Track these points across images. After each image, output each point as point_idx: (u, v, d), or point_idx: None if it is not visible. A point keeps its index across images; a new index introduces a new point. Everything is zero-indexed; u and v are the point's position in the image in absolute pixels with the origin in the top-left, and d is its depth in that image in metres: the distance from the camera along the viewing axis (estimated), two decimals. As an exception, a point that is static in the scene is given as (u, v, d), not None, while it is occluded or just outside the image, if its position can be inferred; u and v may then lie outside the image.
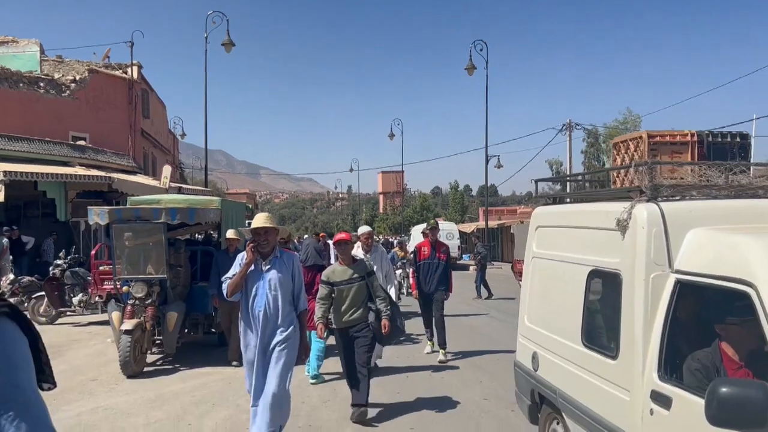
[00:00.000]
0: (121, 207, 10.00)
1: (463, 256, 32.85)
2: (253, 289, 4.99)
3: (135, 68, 26.60)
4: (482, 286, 17.93)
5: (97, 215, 8.63)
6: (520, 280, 19.62)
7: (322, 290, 6.15)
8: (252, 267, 5.01)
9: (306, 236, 16.34)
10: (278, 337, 4.97)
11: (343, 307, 6.17)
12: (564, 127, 33.49)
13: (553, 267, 4.60)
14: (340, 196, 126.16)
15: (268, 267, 5.02)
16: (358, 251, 7.88)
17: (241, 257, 5.09)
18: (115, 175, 18.77)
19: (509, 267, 24.16)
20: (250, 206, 18.91)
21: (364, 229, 8.84)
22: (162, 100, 33.92)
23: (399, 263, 17.24)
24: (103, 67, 26.38)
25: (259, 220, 5.12)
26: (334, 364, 7.60)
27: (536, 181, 5.90)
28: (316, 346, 7.43)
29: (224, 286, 5.08)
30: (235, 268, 5.09)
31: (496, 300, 17.31)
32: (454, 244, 20.34)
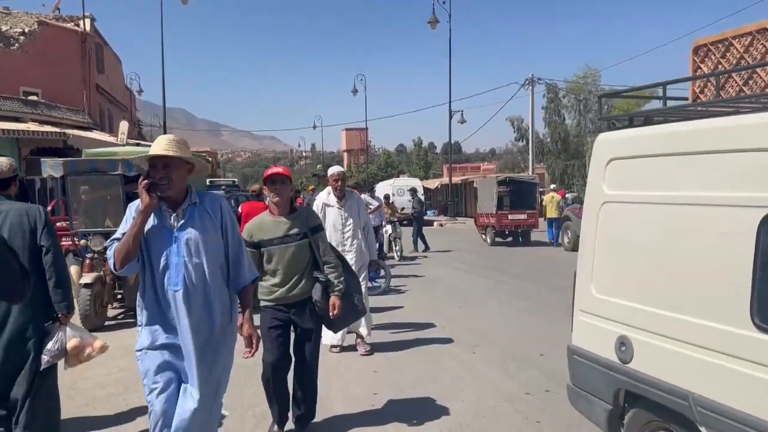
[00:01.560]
0: (76, 159, 9.72)
1: (428, 211, 33.09)
2: (162, 258, 3.09)
3: (87, 21, 25.64)
4: (419, 240, 18.11)
5: (51, 168, 8.40)
6: (482, 234, 19.69)
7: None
8: (154, 221, 3.10)
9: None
10: (211, 334, 3.25)
11: (275, 279, 4.27)
12: (527, 82, 33.57)
13: (663, 213, 2.99)
14: (304, 154, 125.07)
15: (181, 221, 3.12)
16: (329, 198, 6.68)
17: (135, 206, 3.08)
18: (70, 131, 18.26)
19: (473, 221, 24.51)
20: (210, 159, 18.58)
21: (335, 169, 6.84)
22: (117, 55, 32.88)
23: (385, 222, 15.18)
24: (53, 19, 25.38)
25: (159, 145, 3.11)
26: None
27: (600, 97, 4.57)
28: None
29: (109, 254, 3.08)
30: (125, 224, 3.10)
31: (437, 252, 17.60)
32: (418, 200, 20.08)
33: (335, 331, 5.19)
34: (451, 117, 31.54)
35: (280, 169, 4.37)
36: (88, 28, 25.44)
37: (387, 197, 17.67)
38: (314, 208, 6.33)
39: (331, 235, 6.27)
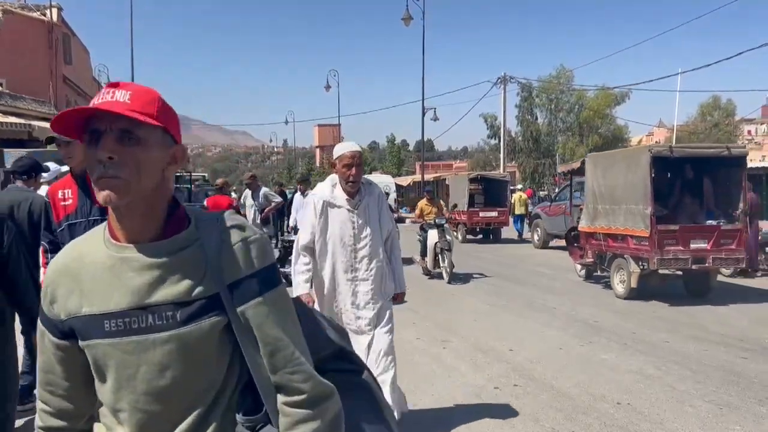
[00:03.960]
0: (41, 150, 9.53)
1: (401, 209, 33.13)
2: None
3: (54, 10, 25.10)
4: None
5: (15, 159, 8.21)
6: (453, 230, 19.54)
7: None
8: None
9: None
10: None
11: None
12: (499, 80, 33.79)
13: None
14: (276, 150, 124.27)
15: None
16: (334, 194, 4.07)
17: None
18: (35, 122, 17.85)
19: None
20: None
21: (346, 147, 4.03)
22: (85, 46, 32.27)
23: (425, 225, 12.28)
24: (19, 8, 24.78)
25: None
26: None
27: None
28: None
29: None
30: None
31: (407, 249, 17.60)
32: (390, 198, 20.17)
33: None
34: (423, 114, 31.62)
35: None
36: (55, 17, 24.90)
37: (430, 192, 13.83)
38: (310, 209, 4.03)
39: (337, 253, 4.00)
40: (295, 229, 11.88)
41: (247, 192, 11.64)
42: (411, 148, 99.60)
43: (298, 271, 4.03)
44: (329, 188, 4.06)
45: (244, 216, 11.09)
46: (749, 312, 8.55)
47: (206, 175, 42.07)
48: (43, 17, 24.63)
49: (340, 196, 4.00)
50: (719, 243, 8.98)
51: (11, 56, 22.02)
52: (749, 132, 65.01)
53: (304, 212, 4.23)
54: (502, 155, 36.21)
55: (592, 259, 10.89)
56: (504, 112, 35.73)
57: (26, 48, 22.87)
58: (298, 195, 11.84)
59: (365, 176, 4.15)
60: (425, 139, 38.37)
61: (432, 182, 36.61)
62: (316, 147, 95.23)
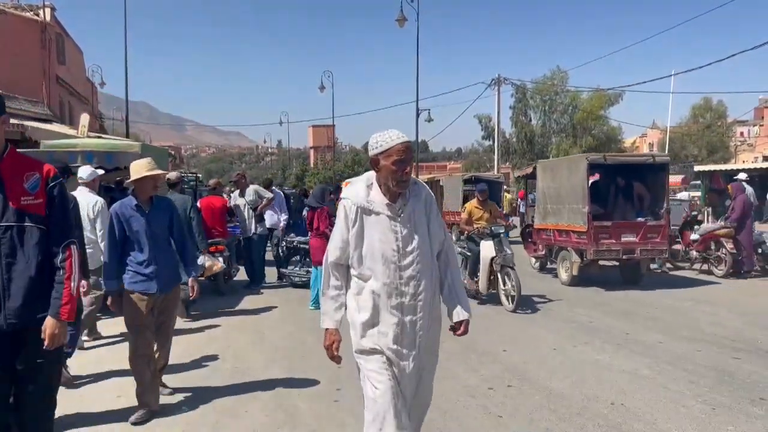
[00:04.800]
0: (34, 150, 9.48)
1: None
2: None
3: (48, 10, 24.98)
4: None
5: (7, 159, 8.16)
6: (448, 232, 19.72)
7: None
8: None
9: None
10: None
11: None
12: (493, 82, 33.83)
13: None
14: (270, 150, 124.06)
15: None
16: (372, 197, 3.17)
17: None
18: (28, 123, 17.76)
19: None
20: (173, 153, 18.28)
21: (394, 138, 3.09)
22: (79, 46, 32.14)
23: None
24: (11, 7, 24.66)
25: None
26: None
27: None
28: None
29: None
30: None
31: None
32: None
33: None
34: (418, 115, 31.60)
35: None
36: (48, 17, 24.77)
37: (484, 192, 10.12)
38: (340, 217, 3.17)
39: (377, 272, 3.08)
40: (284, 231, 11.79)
41: (234, 194, 11.58)
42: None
43: (328, 296, 3.21)
44: (364, 190, 3.12)
45: (236, 215, 11.03)
46: (736, 310, 8.62)
47: (200, 175, 41.97)
48: (36, 17, 24.51)
49: (379, 201, 3.09)
50: (646, 237, 10.40)
51: (4, 56, 21.89)
52: (742, 133, 65.28)
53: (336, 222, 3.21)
54: (496, 156, 36.27)
55: (543, 252, 12.41)
56: (498, 113, 35.81)
57: (19, 48, 22.75)
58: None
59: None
60: (420, 140, 38.38)
61: (426, 183, 36.46)
62: (311, 148, 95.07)
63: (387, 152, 3.02)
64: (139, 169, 4.73)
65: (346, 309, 3.23)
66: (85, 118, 18.14)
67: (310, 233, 9.08)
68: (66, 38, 27.93)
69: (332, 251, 3.18)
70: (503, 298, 8.96)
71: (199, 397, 5.14)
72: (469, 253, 9.62)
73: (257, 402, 5.06)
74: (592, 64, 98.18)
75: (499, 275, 9.00)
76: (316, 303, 8.82)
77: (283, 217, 11.87)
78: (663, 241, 10.44)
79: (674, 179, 27.80)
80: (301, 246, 10.96)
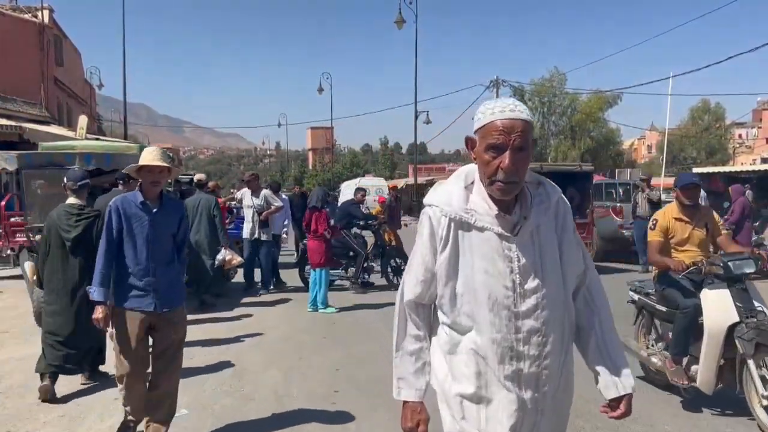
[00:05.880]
0: (32, 152, 9.48)
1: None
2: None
3: (46, 12, 25.00)
4: None
5: (5, 160, 8.18)
6: None
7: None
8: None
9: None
10: None
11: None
12: (491, 84, 33.90)
13: None
14: (268, 152, 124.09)
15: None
16: (473, 203, 2.03)
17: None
18: (26, 124, 17.78)
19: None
20: (172, 155, 18.15)
21: (498, 106, 1.95)
22: (77, 48, 32.15)
23: None
24: (9, 9, 24.68)
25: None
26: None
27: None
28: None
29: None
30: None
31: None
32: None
33: None
34: (416, 117, 31.63)
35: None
36: (46, 19, 24.79)
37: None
38: (423, 233, 2.08)
39: (480, 322, 2.00)
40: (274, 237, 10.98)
41: (246, 192, 10.80)
42: (404, 150, 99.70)
43: (405, 351, 2.16)
44: (460, 193, 2.05)
45: (233, 216, 10.96)
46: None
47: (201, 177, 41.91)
48: (34, 19, 24.53)
49: (484, 211, 1.99)
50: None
51: (2, 58, 21.90)
52: (740, 135, 65.43)
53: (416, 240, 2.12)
54: (494, 158, 36.22)
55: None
56: (496, 115, 35.78)
57: (17, 49, 22.75)
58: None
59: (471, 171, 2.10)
60: (418, 142, 38.40)
61: (425, 185, 36.58)
62: (309, 149, 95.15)
63: (484, 130, 1.95)
64: (144, 156, 4.02)
65: (430, 370, 2.17)
66: (83, 120, 18.17)
67: (307, 235, 9.07)
68: (64, 40, 27.95)
69: (410, 285, 2.13)
70: (758, 411, 4.41)
71: (197, 399, 5.12)
72: (665, 309, 5.25)
73: (255, 404, 5.05)
74: (590, 66, 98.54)
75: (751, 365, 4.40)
76: (314, 304, 8.83)
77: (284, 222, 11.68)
78: (588, 236, 12.54)
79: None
80: None
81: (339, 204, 15.01)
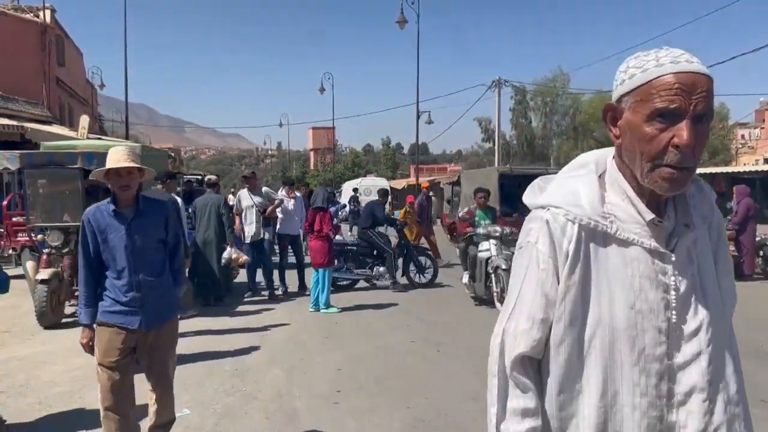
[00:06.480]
0: (34, 151, 9.46)
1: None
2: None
3: (48, 12, 24.99)
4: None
5: (7, 160, 8.16)
6: (456, 245, 19.05)
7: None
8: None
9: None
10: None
11: None
12: (493, 84, 33.83)
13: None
14: (270, 152, 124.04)
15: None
16: (623, 208, 1.40)
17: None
18: (28, 124, 17.78)
19: (441, 227, 24.47)
20: (173, 155, 18.21)
21: (672, 57, 1.32)
22: (79, 48, 32.16)
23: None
24: (11, 9, 24.67)
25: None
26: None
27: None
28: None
29: None
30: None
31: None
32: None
33: None
34: (418, 117, 31.57)
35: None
36: (48, 19, 24.78)
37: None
38: (541, 250, 1.41)
39: (613, 373, 1.36)
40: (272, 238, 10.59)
41: (243, 192, 10.32)
42: (406, 151, 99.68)
43: (513, 410, 1.43)
44: (594, 190, 1.43)
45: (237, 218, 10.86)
46: (736, 313, 8.56)
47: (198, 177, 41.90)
48: (36, 19, 24.52)
49: (628, 213, 1.40)
50: None
51: (4, 58, 21.89)
52: (743, 136, 65.30)
53: (518, 261, 1.50)
54: (496, 159, 36.24)
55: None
56: (498, 115, 35.77)
57: (19, 49, 22.76)
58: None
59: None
60: (420, 142, 38.38)
61: (427, 185, 36.45)
62: (311, 149, 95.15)
63: (640, 92, 1.33)
64: (109, 158, 3.50)
65: None
66: (85, 120, 18.19)
67: (309, 235, 9.05)
68: (66, 40, 27.95)
69: (522, 331, 1.43)
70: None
71: (199, 398, 5.11)
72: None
73: (257, 403, 5.04)
74: (593, 66, 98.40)
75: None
76: (316, 305, 8.81)
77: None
78: None
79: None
80: (348, 248, 10.96)
81: (339, 203, 15.04)
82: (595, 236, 1.39)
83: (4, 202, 11.75)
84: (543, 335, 1.42)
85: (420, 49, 28.52)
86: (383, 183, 34.36)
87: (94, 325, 3.53)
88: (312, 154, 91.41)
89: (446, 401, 5.03)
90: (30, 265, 8.25)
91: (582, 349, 1.38)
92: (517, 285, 1.46)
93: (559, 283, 1.40)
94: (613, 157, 1.46)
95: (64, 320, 8.02)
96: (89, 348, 3.52)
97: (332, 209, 9.91)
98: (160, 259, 3.63)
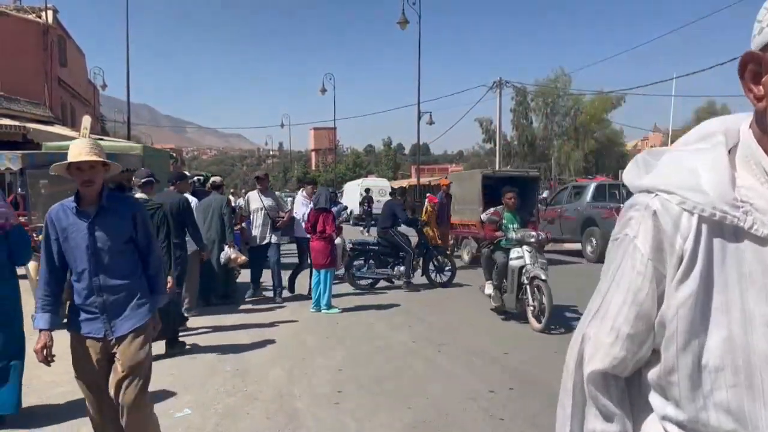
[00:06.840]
0: (35, 152, 9.49)
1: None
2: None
3: (50, 12, 25.04)
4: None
5: (9, 160, 8.19)
6: (455, 250, 18.91)
7: None
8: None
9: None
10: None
11: None
12: (494, 85, 33.84)
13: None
14: (271, 153, 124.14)
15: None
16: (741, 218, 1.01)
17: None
18: (30, 125, 17.80)
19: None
20: (175, 155, 18.21)
21: None
22: (81, 48, 32.21)
23: None
24: (13, 9, 24.75)
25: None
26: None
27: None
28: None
29: None
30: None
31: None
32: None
33: None
34: (419, 118, 31.58)
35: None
36: (50, 19, 24.84)
37: None
38: (641, 248, 1.07)
39: (742, 406, 0.99)
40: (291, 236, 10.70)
41: (252, 194, 10.15)
42: (407, 151, 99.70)
43: None
44: (723, 170, 1.05)
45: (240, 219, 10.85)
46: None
47: (208, 174, 41.95)
48: (38, 19, 24.58)
49: (765, 202, 1.01)
50: None
51: (6, 58, 21.95)
52: (744, 137, 65.31)
53: (611, 255, 1.17)
54: (497, 159, 36.26)
55: (452, 241, 15.46)
56: (499, 116, 35.79)
57: (21, 50, 22.82)
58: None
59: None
60: (421, 143, 38.38)
61: (428, 186, 36.48)
62: (312, 150, 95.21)
63: None
64: (70, 152, 3.22)
65: None
66: (86, 120, 18.17)
67: (311, 236, 9.05)
68: (68, 40, 28.01)
69: (603, 344, 1.18)
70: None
71: (200, 398, 5.12)
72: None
73: (258, 404, 5.05)
74: (594, 66, 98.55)
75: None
76: (318, 305, 8.82)
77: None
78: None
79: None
80: (370, 248, 11.02)
81: (340, 203, 15.10)
82: (722, 232, 1.03)
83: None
84: (628, 354, 1.14)
85: (421, 50, 28.54)
86: (384, 183, 34.38)
87: (69, 335, 3.33)
88: (313, 154, 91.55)
89: (447, 401, 5.04)
90: (32, 265, 8.23)
91: (704, 372, 1.03)
92: (605, 285, 1.17)
93: (661, 293, 1.08)
94: (750, 126, 1.09)
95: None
96: (42, 357, 3.21)
97: (334, 210, 9.83)
98: (127, 260, 3.32)
